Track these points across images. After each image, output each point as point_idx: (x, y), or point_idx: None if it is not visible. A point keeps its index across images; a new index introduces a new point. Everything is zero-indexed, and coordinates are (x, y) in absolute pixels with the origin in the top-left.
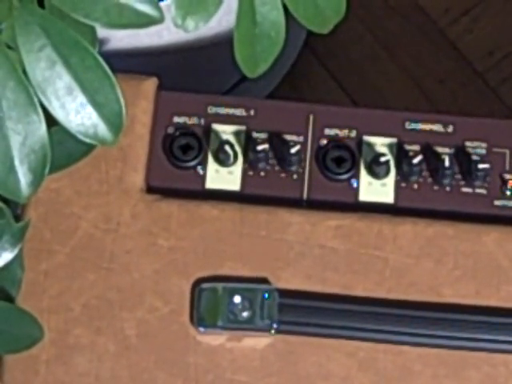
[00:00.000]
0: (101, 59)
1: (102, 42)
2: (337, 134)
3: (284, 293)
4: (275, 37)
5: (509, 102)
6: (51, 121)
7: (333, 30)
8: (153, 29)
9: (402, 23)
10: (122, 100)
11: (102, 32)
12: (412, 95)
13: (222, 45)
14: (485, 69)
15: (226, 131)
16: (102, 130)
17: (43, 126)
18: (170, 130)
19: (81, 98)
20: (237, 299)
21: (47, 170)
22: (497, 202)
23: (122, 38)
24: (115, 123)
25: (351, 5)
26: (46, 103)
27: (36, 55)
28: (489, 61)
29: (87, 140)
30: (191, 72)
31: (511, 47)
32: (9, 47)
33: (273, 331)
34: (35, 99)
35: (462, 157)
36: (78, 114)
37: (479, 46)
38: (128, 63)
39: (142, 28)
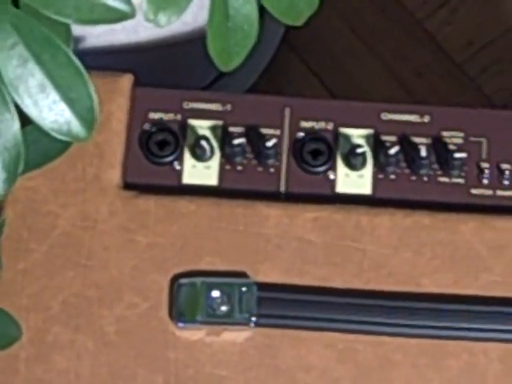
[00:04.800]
0: (73, 56)
1: (78, 39)
2: (313, 127)
3: (262, 286)
4: (248, 30)
5: (488, 92)
6: (26, 119)
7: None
8: (129, 25)
9: (380, 16)
10: (94, 96)
11: (78, 30)
12: (391, 88)
13: (198, 40)
14: (463, 60)
15: (202, 126)
16: (76, 126)
17: (16, 124)
18: (147, 126)
19: (53, 95)
20: (215, 294)
21: (21, 168)
22: (474, 191)
23: (98, 36)
24: (88, 119)
25: None
26: (18, 101)
27: (7, 53)
28: (467, 51)
29: (61, 137)
30: (169, 68)
31: (490, 37)
32: None
33: (252, 325)
34: (8, 97)
35: (438, 146)
36: (51, 111)
37: (457, 37)
38: (105, 60)
39: (113, 23)
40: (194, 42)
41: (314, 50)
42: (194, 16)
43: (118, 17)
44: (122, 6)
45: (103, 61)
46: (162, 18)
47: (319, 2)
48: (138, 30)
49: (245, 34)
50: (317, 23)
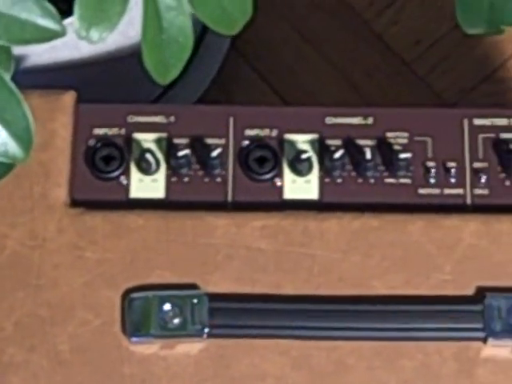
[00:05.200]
0: (6, 77)
1: (20, 58)
2: (258, 134)
3: (214, 297)
4: (184, 42)
5: (438, 90)
6: None
7: (259, 30)
8: (70, 42)
9: (327, 19)
10: (29, 116)
11: (20, 49)
12: (342, 90)
13: None
14: (412, 58)
15: (147, 139)
16: (12, 147)
17: None
18: (91, 142)
19: None
20: (167, 307)
21: None
22: (421, 191)
23: (41, 54)
24: (24, 139)
25: (275, 5)
26: None
27: None
28: (415, 50)
29: None
30: (116, 83)
31: (437, 35)
32: None
33: (205, 336)
34: None
35: (383, 148)
36: None
37: (405, 36)
38: (50, 78)
39: (44, 42)
40: (139, 55)
41: (263, 56)
42: (138, 29)
43: (48, 36)
44: (52, 25)
45: (48, 78)
46: (95, 34)
47: (253, 10)
48: (79, 47)
49: (180, 46)
50: (265, 29)
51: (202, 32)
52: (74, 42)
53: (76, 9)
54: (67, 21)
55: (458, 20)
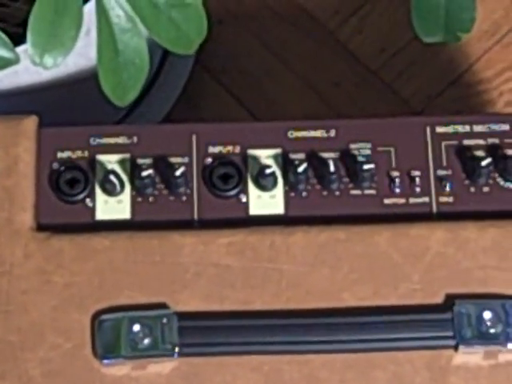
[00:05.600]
0: None
1: None
2: (221, 151)
3: (183, 315)
4: (140, 63)
5: (405, 96)
6: None
7: (224, 45)
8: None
9: (292, 30)
10: None
11: None
12: (310, 102)
13: None
14: (378, 66)
15: (110, 161)
16: None
17: None
18: (55, 165)
19: None
20: (136, 327)
21: None
22: (386, 201)
23: (1, 79)
24: None
25: (239, 18)
26: None
27: None
28: (381, 58)
29: None
30: (80, 105)
31: (402, 42)
32: None
33: (175, 355)
34: None
35: (347, 160)
36: None
37: (370, 44)
38: (11, 103)
39: None
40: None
41: (229, 70)
42: None
43: (2, 64)
44: (6, 54)
45: (9, 103)
46: (48, 60)
47: (216, 23)
48: (40, 71)
49: (137, 68)
50: (230, 44)
51: (165, 50)
52: (34, 67)
53: (29, 35)
54: (23, 47)
55: (415, 29)
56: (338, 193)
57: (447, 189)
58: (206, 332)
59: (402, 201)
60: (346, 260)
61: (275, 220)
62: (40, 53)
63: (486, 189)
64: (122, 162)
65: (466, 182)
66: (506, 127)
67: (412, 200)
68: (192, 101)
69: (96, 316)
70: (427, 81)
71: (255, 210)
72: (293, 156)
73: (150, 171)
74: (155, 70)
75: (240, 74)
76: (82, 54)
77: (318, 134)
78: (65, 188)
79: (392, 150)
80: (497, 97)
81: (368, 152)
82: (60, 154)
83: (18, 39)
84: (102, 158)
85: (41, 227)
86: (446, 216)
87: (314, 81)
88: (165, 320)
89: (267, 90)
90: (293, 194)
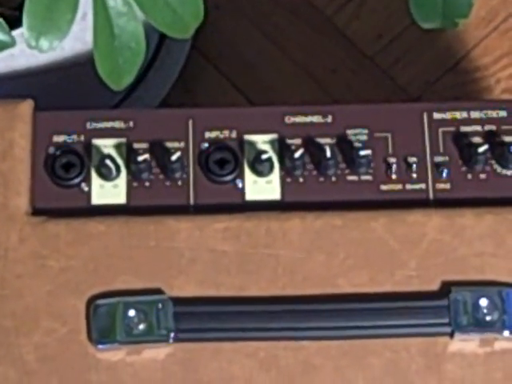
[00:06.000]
0: None
1: None
2: (217, 136)
3: (178, 301)
4: (136, 47)
5: (402, 83)
6: None
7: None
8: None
9: (288, 16)
10: None
11: None
12: (307, 88)
13: None
14: (375, 52)
15: (106, 145)
16: None
17: None
18: (51, 150)
19: None
20: (132, 313)
21: None
22: (383, 187)
23: None
24: None
25: (236, 3)
26: None
27: None
28: (378, 44)
29: None
30: (76, 89)
31: (399, 28)
32: None
33: (171, 341)
34: None
35: (344, 145)
36: None
37: (367, 30)
38: (8, 86)
39: None
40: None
41: (226, 56)
42: None
43: None
44: (2, 37)
45: (6, 87)
46: (44, 43)
47: (213, 9)
48: (36, 54)
49: (133, 52)
50: (227, 29)
51: (162, 34)
52: (31, 50)
53: (24, 18)
54: (19, 31)
55: (413, 15)
56: (334, 178)
57: (444, 175)
58: (201, 318)
59: (398, 187)
60: (342, 246)
61: (271, 205)
62: (36, 36)
63: (482, 175)
64: (117, 147)
65: (463, 168)
66: (503, 113)
67: (409, 186)
68: (189, 86)
69: (91, 301)
70: (424, 67)
71: (251, 195)
72: (289, 141)
73: (146, 156)
74: (152, 55)
75: (237, 60)
76: (78, 38)
77: (315, 119)
78: (60, 172)
79: (389, 136)
80: (494, 84)
81: (365, 138)
82: (56, 138)
83: (14, 23)
84: (97, 142)
85: (36, 211)
86: (442, 202)
87: (311, 67)
88: (160, 305)
89: (264, 75)
90: (289, 180)
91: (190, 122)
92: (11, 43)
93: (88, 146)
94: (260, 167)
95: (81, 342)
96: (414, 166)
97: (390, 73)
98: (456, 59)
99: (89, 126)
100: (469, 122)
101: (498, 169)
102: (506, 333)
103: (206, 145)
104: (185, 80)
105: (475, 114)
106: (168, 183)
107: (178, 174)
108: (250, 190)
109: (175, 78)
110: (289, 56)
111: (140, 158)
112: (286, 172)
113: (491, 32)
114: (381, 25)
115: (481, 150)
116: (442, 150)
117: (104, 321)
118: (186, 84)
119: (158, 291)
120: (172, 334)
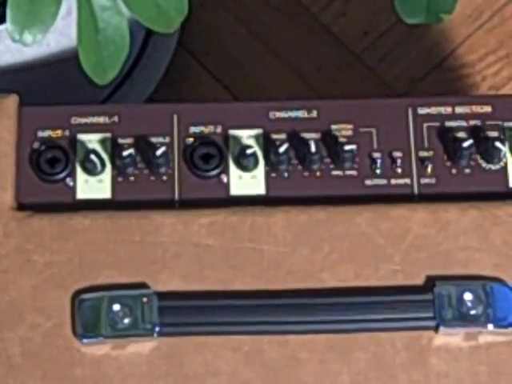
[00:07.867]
0: None
1: None
2: (202, 131)
3: (163, 295)
4: (120, 42)
5: (388, 79)
6: None
7: (208, 27)
8: (13, 45)
9: (275, 14)
10: None
11: None
12: (293, 85)
13: None
14: (361, 50)
15: (91, 140)
16: None
17: None
18: (36, 144)
19: None
20: (116, 307)
21: None
22: (368, 182)
23: None
24: None
25: (223, 1)
26: None
27: None
28: (364, 41)
29: None
30: (63, 85)
31: (385, 25)
32: None
33: (155, 335)
34: None
35: (328, 140)
36: None
37: (353, 27)
38: None
39: None
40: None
41: (212, 53)
42: None
43: None
44: None
45: None
46: (28, 37)
47: (198, 6)
48: (22, 50)
49: (117, 46)
50: (213, 26)
51: (148, 31)
52: (16, 46)
53: (8, 12)
54: (3, 26)
55: (397, 10)
56: (319, 173)
57: (429, 170)
58: (186, 312)
59: (383, 182)
60: (326, 240)
61: (256, 200)
62: (19, 29)
63: (467, 170)
64: (102, 142)
65: (448, 163)
66: (487, 109)
67: (393, 181)
68: (175, 83)
69: (76, 295)
70: (410, 65)
71: (236, 190)
72: (274, 136)
73: (131, 151)
74: (138, 52)
75: (223, 57)
76: (64, 34)
77: (300, 114)
78: (45, 167)
79: (374, 131)
80: (480, 81)
81: (349, 133)
82: (40, 133)
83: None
84: (82, 137)
85: (21, 206)
86: (427, 197)
87: (297, 64)
88: (145, 300)
89: (250, 72)
90: (274, 175)
91: (175, 117)
92: None
93: (73, 141)
94: (245, 162)
95: (66, 336)
96: (399, 160)
97: (376, 70)
98: (442, 57)
99: (74, 121)
100: (453, 117)
101: (483, 164)
102: (491, 326)
103: (191, 140)
104: (171, 77)
105: (460, 109)
106: (153, 178)
107: (162, 169)
108: (234, 185)
109: (161, 75)
110: (275, 53)
111: (125, 153)
112: (271, 167)
113: (477, 30)
114: (367, 22)
115: (465, 144)
116: (426, 144)
117: (89, 315)
118: (172, 81)
119: (143, 285)
120: (157, 328)
